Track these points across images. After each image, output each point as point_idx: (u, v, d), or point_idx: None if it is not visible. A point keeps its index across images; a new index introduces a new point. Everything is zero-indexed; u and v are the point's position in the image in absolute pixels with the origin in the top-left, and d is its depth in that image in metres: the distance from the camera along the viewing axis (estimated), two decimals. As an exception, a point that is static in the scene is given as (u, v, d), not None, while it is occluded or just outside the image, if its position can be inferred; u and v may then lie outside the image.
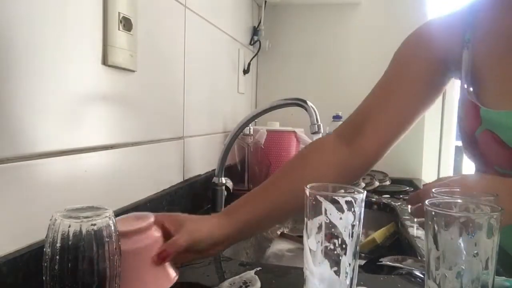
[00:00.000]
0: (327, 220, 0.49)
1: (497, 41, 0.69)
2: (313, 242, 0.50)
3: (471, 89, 0.70)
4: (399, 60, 0.79)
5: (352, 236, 0.49)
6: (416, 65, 0.76)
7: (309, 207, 0.50)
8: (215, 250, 0.66)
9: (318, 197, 0.49)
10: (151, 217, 0.55)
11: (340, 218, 0.48)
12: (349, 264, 0.49)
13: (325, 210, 0.49)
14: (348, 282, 0.49)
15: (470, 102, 0.69)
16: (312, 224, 0.50)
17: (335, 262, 0.49)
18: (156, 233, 0.55)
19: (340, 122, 1.54)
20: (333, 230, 0.49)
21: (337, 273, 0.49)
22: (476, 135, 0.69)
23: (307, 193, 0.50)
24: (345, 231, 0.48)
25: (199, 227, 0.63)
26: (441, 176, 1.77)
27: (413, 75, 0.76)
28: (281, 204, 0.70)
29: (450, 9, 0.79)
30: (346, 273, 0.49)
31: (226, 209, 0.71)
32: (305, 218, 0.51)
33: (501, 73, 0.68)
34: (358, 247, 0.50)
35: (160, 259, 0.56)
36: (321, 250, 0.49)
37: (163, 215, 0.62)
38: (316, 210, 0.49)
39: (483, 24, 0.70)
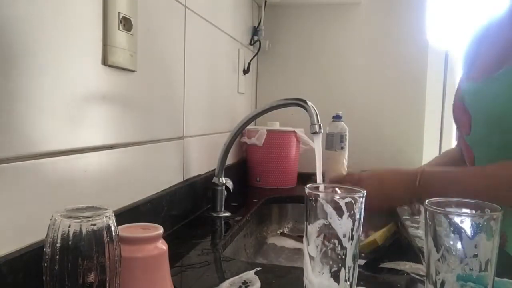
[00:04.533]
0: (327, 222, 0.48)
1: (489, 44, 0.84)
2: (313, 248, 0.49)
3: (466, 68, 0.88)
4: None
5: (352, 239, 0.49)
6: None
7: (309, 208, 0.50)
8: None
9: (318, 198, 0.49)
10: (160, 229, 0.54)
11: (340, 224, 0.48)
12: (349, 268, 0.49)
13: (325, 213, 0.48)
14: (348, 286, 0.49)
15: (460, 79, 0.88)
16: (312, 229, 0.49)
17: (334, 267, 0.49)
18: (164, 246, 0.54)
19: (341, 122, 1.55)
20: (332, 235, 0.49)
21: (337, 278, 0.49)
22: (456, 102, 0.87)
23: (307, 193, 0.50)
24: (344, 237, 0.48)
25: None
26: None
27: None
28: None
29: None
30: (346, 279, 0.49)
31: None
32: (305, 222, 0.51)
33: (485, 51, 0.83)
34: (357, 249, 0.50)
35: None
36: (321, 258, 0.49)
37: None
38: (316, 213, 0.49)
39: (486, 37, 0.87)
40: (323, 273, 0.49)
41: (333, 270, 0.49)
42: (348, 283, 0.49)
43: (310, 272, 0.50)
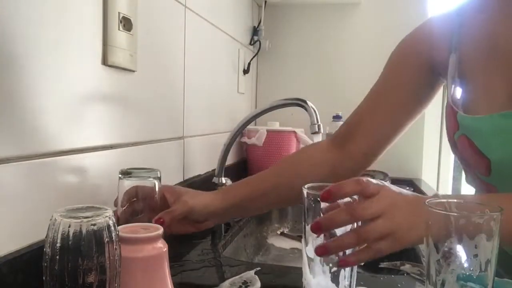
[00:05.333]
0: None
1: (481, 46, 0.68)
2: (311, 249, 0.49)
3: (455, 93, 0.70)
4: (391, 66, 0.80)
5: None
6: (406, 73, 0.77)
7: (307, 209, 0.50)
8: (209, 222, 0.73)
9: (317, 199, 0.48)
10: (160, 229, 0.54)
11: None
12: (349, 269, 0.49)
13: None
14: (347, 287, 0.49)
15: (450, 105, 0.69)
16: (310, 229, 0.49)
17: (334, 268, 0.49)
18: (164, 246, 0.54)
19: (340, 122, 1.55)
20: (331, 235, 0.48)
21: (336, 278, 0.49)
22: (455, 138, 0.69)
23: (305, 194, 0.50)
24: None
25: (195, 198, 0.71)
26: (440, 176, 1.77)
27: (402, 82, 0.77)
28: (270, 192, 0.76)
29: (441, 12, 0.78)
30: (345, 280, 0.49)
31: (223, 188, 0.80)
32: (303, 223, 0.50)
33: (482, 80, 0.67)
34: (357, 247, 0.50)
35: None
36: (320, 259, 0.49)
37: (164, 186, 0.69)
38: (315, 213, 0.49)
39: (469, 29, 0.70)
40: (322, 274, 0.49)
41: (332, 270, 0.48)
42: (347, 283, 0.49)
43: (308, 273, 0.50)
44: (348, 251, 0.49)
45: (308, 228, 0.49)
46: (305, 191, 0.50)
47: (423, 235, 0.45)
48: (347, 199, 0.49)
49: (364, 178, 0.51)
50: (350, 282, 0.49)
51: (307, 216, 0.50)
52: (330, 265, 0.48)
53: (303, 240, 0.51)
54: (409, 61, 0.77)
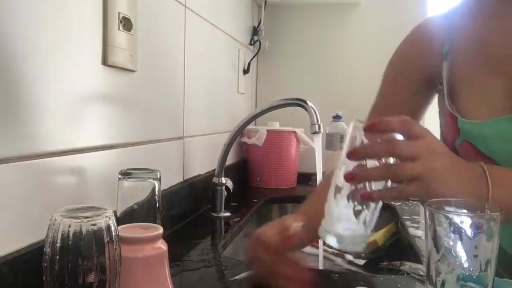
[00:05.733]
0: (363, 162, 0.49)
1: (474, 51, 0.68)
2: (341, 178, 0.49)
3: (452, 100, 0.69)
4: (386, 85, 0.80)
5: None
6: (401, 91, 0.76)
7: (350, 138, 0.50)
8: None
9: (362, 129, 0.49)
10: (159, 229, 0.54)
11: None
12: (372, 211, 0.49)
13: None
14: (365, 227, 0.49)
15: (449, 112, 0.68)
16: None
17: (358, 207, 0.48)
18: (164, 246, 0.54)
19: (341, 122, 1.55)
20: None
21: (357, 215, 0.48)
22: (456, 145, 0.68)
23: (351, 123, 0.50)
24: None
25: None
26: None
27: (399, 102, 0.77)
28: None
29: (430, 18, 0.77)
30: (366, 216, 0.48)
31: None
32: (341, 152, 0.51)
33: (479, 84, 0.66)
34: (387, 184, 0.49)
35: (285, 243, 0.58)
36: (347, 194, 0.49)
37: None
38: (355, 144, 0.49)
39: (460, 35, 0.69)
40: (344, 204, 0.48)
41: (356, 208, 0.48)
42: (368, 219, 0.48)
43: (332, 200, 0.49)
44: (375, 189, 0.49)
45: (344, 156, 0.50)
46: (352, 122, 0.50)
47: (452, 191, 0.46)
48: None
49: (412, 120, 0.51)
50: (371, 220, 0.49)
51: (347, 146, 0.50)
52: (355, 203, 0.48)
53: (336, 169, 0.50)
54: (403, 78, 0.77)
